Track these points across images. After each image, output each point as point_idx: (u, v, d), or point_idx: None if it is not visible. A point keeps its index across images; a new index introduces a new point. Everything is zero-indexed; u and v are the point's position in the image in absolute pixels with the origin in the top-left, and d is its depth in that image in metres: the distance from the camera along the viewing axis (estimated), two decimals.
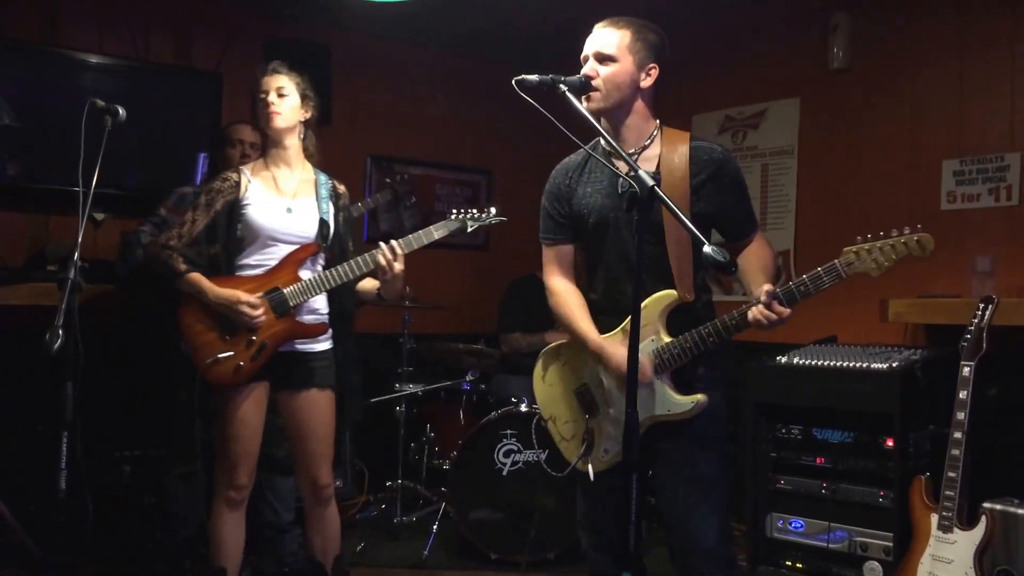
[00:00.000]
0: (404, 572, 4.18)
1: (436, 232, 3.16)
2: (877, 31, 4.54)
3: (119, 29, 4.69)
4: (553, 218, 2.65)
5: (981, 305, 3.25)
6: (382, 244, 3.04)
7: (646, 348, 2.43)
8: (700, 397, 2.42)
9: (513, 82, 2.25)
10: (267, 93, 3.10)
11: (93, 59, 4.49)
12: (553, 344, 2.73)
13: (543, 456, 4.16)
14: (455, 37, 5.64)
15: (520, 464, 4.21)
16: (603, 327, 2.55)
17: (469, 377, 4.82)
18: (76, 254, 2.88)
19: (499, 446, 4.22)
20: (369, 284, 3.24)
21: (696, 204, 2.44)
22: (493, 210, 3.32)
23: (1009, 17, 4.07)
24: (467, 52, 5.89)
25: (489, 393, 4.80)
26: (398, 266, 3.03)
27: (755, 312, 2.28)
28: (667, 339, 2.43)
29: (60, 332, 2.72)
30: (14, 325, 3.97)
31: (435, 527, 4.35)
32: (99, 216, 4.49)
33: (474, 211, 3.29)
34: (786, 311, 2.27)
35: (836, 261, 2.27)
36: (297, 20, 5.20)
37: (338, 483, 4.56)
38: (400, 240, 3.07)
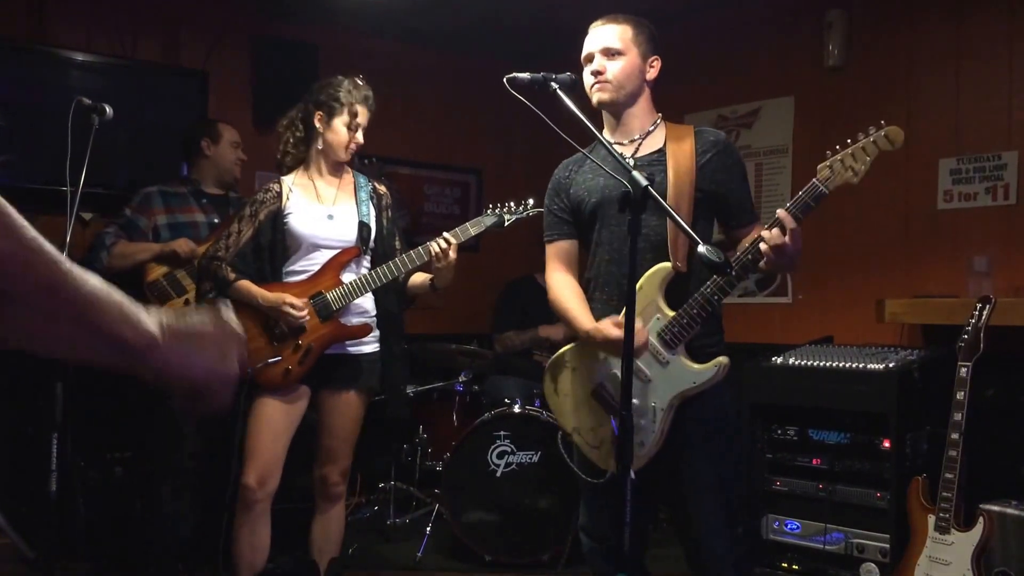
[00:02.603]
0: (397, 574, 4.16)
1: (472, 228, 3.23)
2: (872, 29, 4.52)
3: (106, 27, 4.66)
4: (554, 214, 2.68)
5: (978, 305, 3.24)
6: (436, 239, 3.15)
7: (653, 328, 2.44)
8: (722, 359, 2.41)
9: (504, 80, 2.25)
10: (358, 128, 3.23)
11: (80, 57, 4.45)
12: (556, 354, 2.68)
13: (536, 457, 4.14)
14: (443, 35, 5.61)
15: (514, 465, 4.18)
16: (600, 308, 2.55)
17: (462, 378, 4.80)
18: (64, 254, 2.85)
19: (492, 447, 4.19)
20: (420, 278, 3.30)
21: (701, 180, 2.47)
22: (531, 201, 3.31)
23: (1006, 15, 4.05)
24: (456, 50, 5.85)
25: (482, 394, 4.78)
26: (452, 255, 3.11)
27: (767, 235, 2.25)
28: (671, 313, 2.42)
29: None
30: None
31: (428, 529, 4.33)
32: (87, 215, 4.45)
33: (511, 204, 3.32)
34: (796, 227, 2.23)
35: (815, 180, 2.26)
36: (284, 18, 5.17)
37: None
38: (453, 231, 3.15)
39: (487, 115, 5.75)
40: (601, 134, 2.32)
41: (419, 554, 4.23)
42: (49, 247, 0.96)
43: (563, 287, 2.63)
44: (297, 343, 3.11)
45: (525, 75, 2.26)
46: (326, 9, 4.97)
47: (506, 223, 3.30)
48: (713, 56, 5.17)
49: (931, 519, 3.14)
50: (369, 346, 3.24)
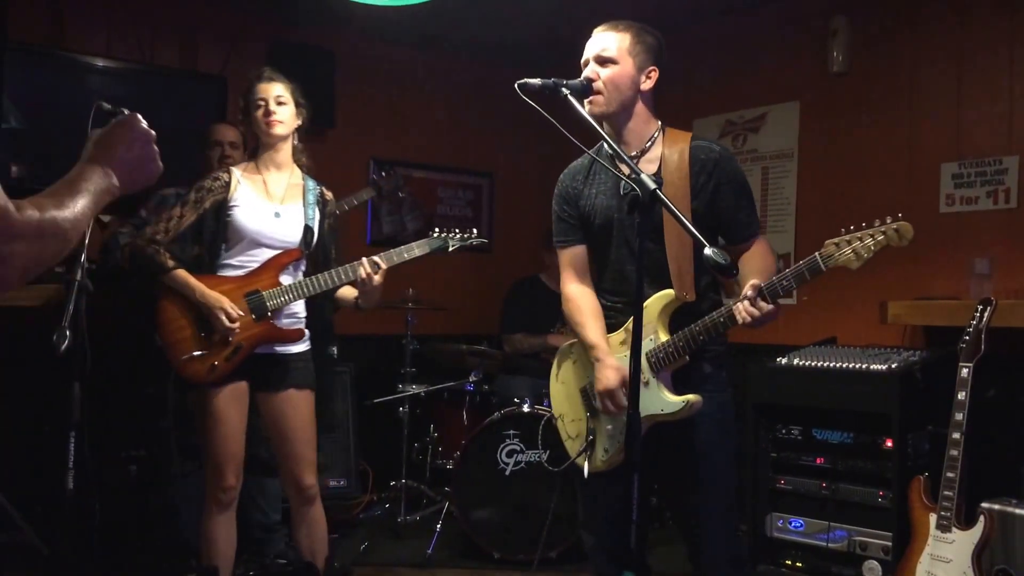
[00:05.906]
0: (408, 571, 4.19)
1: (418, 249, 3.21)
2: (876, 35, 4.56)
3: (125, 33, 4.72)
4: (564, 220, 2.66)
5: (979, 307, 3.27)
6: (364, 259, 3.09)
7: (644, 348, 2.41)
8: (692, 397, 2.38)
9: (516, 86, 2.26)
10: (266, 101, 3.13)
11: (100, 63, 4.51)
12: (567, 343, 2.74)
13: (545, 456, 4.19)
14: (458, 41, 5.66)
15: (523, 464, 4.23)
16: (612, 325, 2.57)
17: (472, 378, 4.83)
18: (83, 255, 2.90)
19: (502, 446, 4.24)
20: (347, 292, 3.27)
21: (696, 201, 2.44)
22: (475, 231, 3.37)
23: (1007, 21, 4.09)
24: (469, 56, 5.91)
25: (492, 393, 4.83)
26: (378, 279, 3.07)
27: (740, 309, 2.25)
28: (664, 338, 2.43)
29: (67, 332, 2.74)
30: (21, 326, 3.99)
31: (438, 526, 4.36)
32: (105, 218, 4.49)
33: (456, 231, 3.33)
34: (769, 307, 2.22)
35: (816, 254, 2.20)
36: (301, 24, 5.22)
37: (342, 482, 4.60)
38: (382, 255, 3.10)
39: (499, 120, 5.80)
40: (609, 139, 2.33)
41: (429, 551, 4.27)
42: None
43: (578, 302, 2.60)
44: (227, 339, 3.05)
45: (536, 81, 2.27)
46: (342, 15, 5.01)
47: (450, 248, 3.29)
48: (720, 62, 5.21)
49: (932, 517, 3.17)
50: (299, 346, 3.20)
